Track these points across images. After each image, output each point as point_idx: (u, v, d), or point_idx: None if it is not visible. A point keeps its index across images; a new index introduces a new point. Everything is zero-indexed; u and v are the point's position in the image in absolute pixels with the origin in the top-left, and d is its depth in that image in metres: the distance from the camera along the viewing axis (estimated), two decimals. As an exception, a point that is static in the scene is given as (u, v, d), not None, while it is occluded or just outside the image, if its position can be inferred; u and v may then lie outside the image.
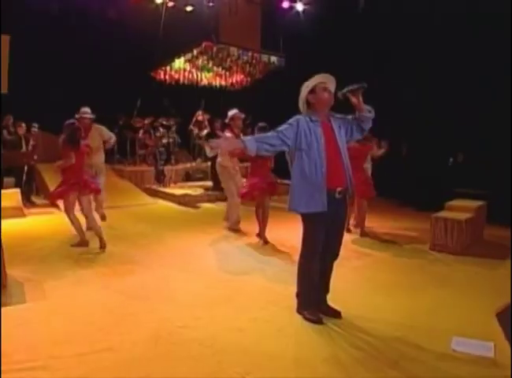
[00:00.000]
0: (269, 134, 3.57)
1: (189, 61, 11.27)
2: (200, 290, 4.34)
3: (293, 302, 3.81)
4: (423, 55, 8.91)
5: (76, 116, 6.59)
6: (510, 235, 5.05)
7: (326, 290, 3.80)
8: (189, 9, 10.14)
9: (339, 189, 3.51)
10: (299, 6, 11.23)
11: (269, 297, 4.15)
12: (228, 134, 6.63)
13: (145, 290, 4.29)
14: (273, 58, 12.01)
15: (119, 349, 3.06)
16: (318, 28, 10.67)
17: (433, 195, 8.52)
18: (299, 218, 3.61)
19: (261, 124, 6.14)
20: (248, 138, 3.62)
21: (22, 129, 9.10)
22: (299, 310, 3.74)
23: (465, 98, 8.25)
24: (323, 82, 3.54)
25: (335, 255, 3.72)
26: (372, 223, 7.19)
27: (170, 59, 11.37)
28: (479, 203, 6.47)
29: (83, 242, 5.75)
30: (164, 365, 2.88)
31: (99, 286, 4.37)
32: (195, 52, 10.73)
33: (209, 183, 10.44)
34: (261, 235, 6.29)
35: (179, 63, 11.38)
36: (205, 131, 11.68)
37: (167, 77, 11.93)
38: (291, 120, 3.57)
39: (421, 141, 9.31)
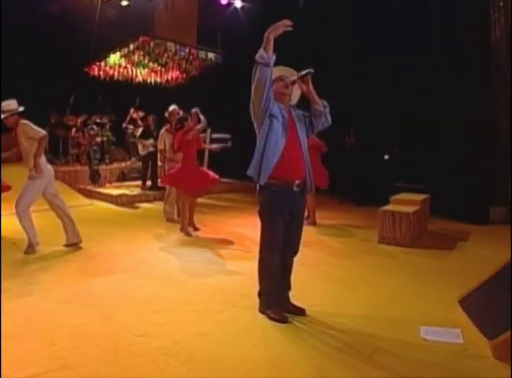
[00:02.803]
0: None
1: (125, 56, 10.83)
2: (155, 294, 4.12)
3: (253, 301, 3.73)
4: (362, 52, 9.09)
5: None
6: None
7: (288, 287, 3.75)
8: (124, 3, 9.72)
9: (297, 182, 3.46)
10: (238, 3, 11.13)
11: (227, 298, 4.03)
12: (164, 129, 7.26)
13: (95, 298, 3.99)
14: (211, 55, 11.83)
15: (76, 365, 2.78)
16: (257, 25, 10.62)
17: (371, 191, 8.79)
18: (253, 215, 3.53)
19: (193, 110, 6.59)
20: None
21: None
22: (262, 310, 3.65)
23: (400, 95, 8.51)
24: (277, 77, 3.53)
25: (295, 250, 3.68)
26: (317, 219, 7.28)
27: (105, 54, 10.90)
28: (423, 196, 6.74)
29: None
30: (129, 380, 2.67)
31: (45, 297, 4.00)
32: (132, 47, 10.33)
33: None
34: (190, 223, 6.61)
35: (114, 58, 10.91)
36: (140, 129, 11.36)
37: (101, 73, 11.42)
38: None
39: (358, 137, 9.51)
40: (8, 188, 5.71)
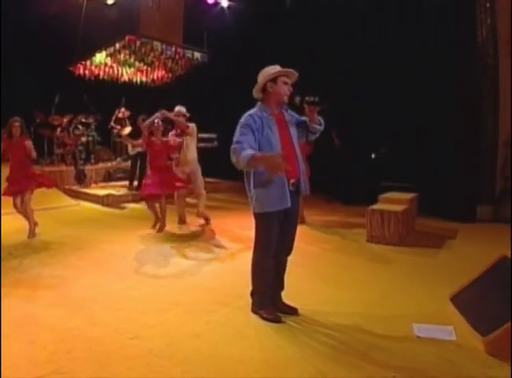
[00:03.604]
0: (244, 143, 3.23)
1: (111, 55, 10.71)
2: (144, 295, 4.07)
3: (245, 301, 3.72)
4: (347, 52, 9.11)
5: None
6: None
7: (281, 286, 3.74)
8: (110, 1, 9.61)
9: (292, 181, 3.45)
10: (224, 2, 11.09)
11: (219, 298, 4.01)
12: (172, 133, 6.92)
13: (84, 300, 3.92)
14: (197, 54, 11.76)
15: (69, 369, 2.73)
16: (243, 25, 10.63)
17: (358, 190, 8.81)
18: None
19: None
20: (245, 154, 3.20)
21: None
22: (255, 310, 3.63)
23: (387, 94, 8.55)
24: (285, 76, 3.49)
25: (290, 250, 3.67)
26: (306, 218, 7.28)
27: (91, 53, 10.75)
28: (411, 195, 6.78)
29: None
30: (123, 384, 2.63)
31: (31, 299, 3.92)
32: (118, 46, 10.21)
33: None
34: (161, 225, 6.61)
35: (100, 57, 10.77)
36: (126, 129, 11.26)
37: (87, 72, 11.27)
38: (243, 121, 3.38)
39: (344, 137, 9.53)
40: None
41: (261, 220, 3.49)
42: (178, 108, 6.85)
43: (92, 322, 3.46)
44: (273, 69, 3.49)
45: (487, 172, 7.63)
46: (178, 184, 6.61)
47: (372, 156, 9.62)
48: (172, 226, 6.79)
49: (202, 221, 7.04)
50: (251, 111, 3.48)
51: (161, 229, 6.60)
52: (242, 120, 3.41)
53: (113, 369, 2.76)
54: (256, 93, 3.56)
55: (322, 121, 3.67)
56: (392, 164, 8.77)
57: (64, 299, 3.94)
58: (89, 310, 3.69)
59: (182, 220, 6.93)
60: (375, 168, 9.20)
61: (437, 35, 7.56)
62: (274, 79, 3.45)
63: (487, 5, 7.04)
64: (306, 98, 3.51)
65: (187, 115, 6.88)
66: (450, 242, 6.22)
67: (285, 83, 3.47)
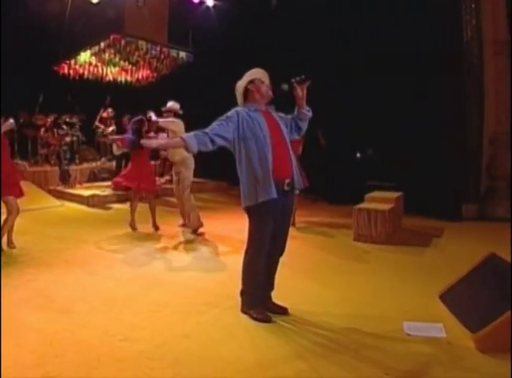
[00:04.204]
0: (207, 129, 3.40)
1: (95, 54, 10.59)
2: (134, 297, 4.02)
3: (234, 301, 3.70)
4: (332, 53, 9.13)
5: None
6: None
7: (271, 287, 3.72)
8: (95, 0, 9.48)
9: (287, 181, 3.44)
10: (210, 2, 11.03)
11: (208, 298, 3.98)
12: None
13: (71, 302, 3.85)
14: (182, 53, 11.72)
15: (58, 373, 2.67)
16: (229, 24, 10.60)
17: (343, 190, 8.84)
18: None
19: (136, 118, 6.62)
20: (188, 135, 3.43)
21: None
22: (244, 310, 3.61)
23: (372, 94, 8.59)
24: (260, 78, 3.56)
25: (282, 250, 3.66)
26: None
27: (75, 52, 10.62)
28: (397, 194, 6.82)
29: None
30: (114, 387, 2.59)
31: (17, 301, 3.84)
32: (103, 45, 10.11)
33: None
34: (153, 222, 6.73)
35: (84, 56, 10.65)
36: (110, 129, 11.16)
37: (71, 71, 11.12)
38: (229, 113, 3.47)
39: (330, 136, 9.55)
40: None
41: (256, 220, 3.46)
42: (170, 104, 6.72)
43: (80, 324, 3.40)
44: (249, 76, 3.58)
45: (472, 170, 7.73)
46: (143, 185, 6.55)
47: (358, 155, 9.67)
48: (162, 227, 6.78)
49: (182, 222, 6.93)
50: (239, 107, 3.54)
51: (154, 227, 6.69)
52: (228, 112, 3.49)
53: (103, 372, 2.71)
54: (239, 100, 3.61)
55: (309, 109, 3.67)
56: (378, 163, 8.81)
57: (51, 301, 3.87)
58: (77, 312, 3.63)
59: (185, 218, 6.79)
60: (360, 168, 9.24)
61: (423, 36, 7.62)
62: (251, 81, 3.53)
63: (473, 5, 7.13)
64: (294, 80, 3.52)
65: (180, 112, 6.76)
66: (436, 240, 6.28)
67: (262, 83, 3.54)
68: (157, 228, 6.71)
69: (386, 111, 8.30)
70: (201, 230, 6.57)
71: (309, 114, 3.66)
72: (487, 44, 7.46)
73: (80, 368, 2.74)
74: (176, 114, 6.70)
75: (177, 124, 6.42)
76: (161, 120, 6.60)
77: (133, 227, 6.66)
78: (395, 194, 6.77)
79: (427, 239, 6.28)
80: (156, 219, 6.79)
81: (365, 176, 8.63)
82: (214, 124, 3.41)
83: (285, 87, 3.50)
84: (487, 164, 7.79)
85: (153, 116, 6.69)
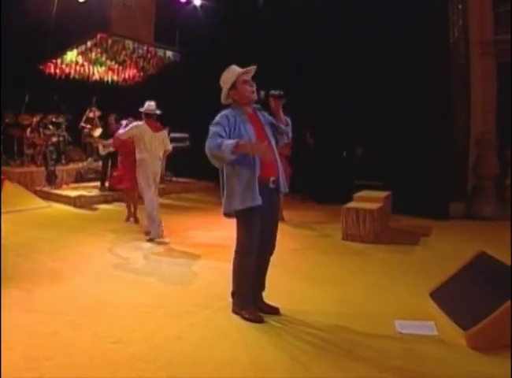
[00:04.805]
0: (214, 137, 3.29)
1: (82, 53, 10.48)
2: (124, 299, 3.99)
3: (225, 302, 3.70)
4: (319, 51, 9.15)
5: None
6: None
7: (262, 287, 3.72)
8: (81, -1, 9.42)
9: (272, 178, 3.46)
10: (197, 1, 11.00)
11: (199, 299, 3.97)
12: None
13: (61, 304, 3.81)
14: (169, 53, 11.69)
15: (52, 376, 2.63)
16: (216, 24, 10.57)
17: (331, 189, 8.87)
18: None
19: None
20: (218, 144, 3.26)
21: None
22: (236, 310, 3.61)
23: (360, 93, 8.62)
24: (241, 79, 3.46)
25: (272, 249, 3.66)
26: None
27: (62, 51, 10.48)
28: (385, 193, 6.87)
29: None
30: (107, 390, 2.56)
31: (7, 304, 3.74)
32: (89, 44, 10.01)
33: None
34: (134, 216, 7.25)
35: (71, 56, 10.51)
36: (97, 131, 11.03)
37: (57, 71, 10.96)
38: (215, 120, 3.42)
39: (318, 136, 9.57)
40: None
41: (244, 220, 3.46)
42: (147, 103, 6.52)
43: (71, 327, 3.36)
44: (230, 72, 3.50)
45: (459, 170, 7.81)
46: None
47: (345, 155, 9.69)
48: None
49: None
50: (225, 111, 3.49)
51: (135, 222, 7.17)
52: (215, 119, 3.44)
53: (96, 375, 2.68)
54: (224, 100, 3.56)
55: (289, 121, 3.69)
56: (366, 163, 8.85)
57: (41, 303, 3.82)
58: (67, 315, 3.58)
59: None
60: (349, 167, 9.26)
61: (410, 36, 7.68)
62: (233, 86, 3.45)
63: (460, 6, 7.21)
64: (271, 92, 3.54)
65: (157, 112, 6.53)
66: (425, 239, 6.33)
67: (245, 82, 3.46)
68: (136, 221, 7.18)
69: (373, 111, 8.34)
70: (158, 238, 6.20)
71: (286, 128, 3.65)
72: (473, 45, 7.55)
73: (73, 371, 2.71)
74: (148, 115, 6.39)
75: (138, 129, 6.24)
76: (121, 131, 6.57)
77: (135, 219, 7.19)
78: (383, 194, 6.82)
79: (415, 237, 6.34)
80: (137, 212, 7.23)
81: (354, 175, 8.68)
82: (216, 131, 3.31)
83: (261, 93, 3.52)
84: (474, 164, 7.88)
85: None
